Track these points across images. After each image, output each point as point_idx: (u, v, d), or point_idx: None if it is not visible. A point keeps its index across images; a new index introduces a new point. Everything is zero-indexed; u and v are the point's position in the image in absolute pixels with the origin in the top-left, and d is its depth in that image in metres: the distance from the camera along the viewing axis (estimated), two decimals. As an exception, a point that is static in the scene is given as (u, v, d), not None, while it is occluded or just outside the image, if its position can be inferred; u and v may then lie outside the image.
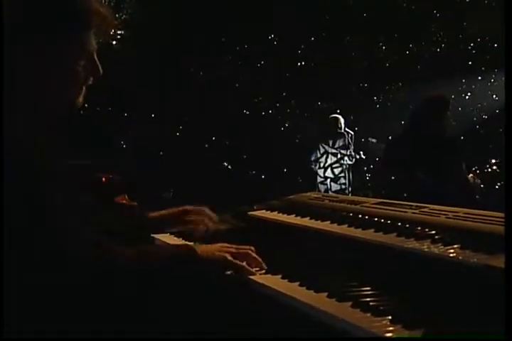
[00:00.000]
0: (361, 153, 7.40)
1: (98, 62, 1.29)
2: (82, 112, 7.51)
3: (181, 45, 8.37)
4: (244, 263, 1.39)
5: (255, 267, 1.42)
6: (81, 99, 1.30)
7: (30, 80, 1.20)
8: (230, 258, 1.36)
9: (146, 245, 1.58)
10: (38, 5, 1.19)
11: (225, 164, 9.13)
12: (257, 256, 1.43)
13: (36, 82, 1.21)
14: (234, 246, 1.43)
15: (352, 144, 7.30)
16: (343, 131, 7.30)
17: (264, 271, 1.42)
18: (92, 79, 1.30)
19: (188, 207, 1.72)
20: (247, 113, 9.31)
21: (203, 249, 1.37)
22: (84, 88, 1.30)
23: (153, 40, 8.27)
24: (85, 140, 6.84)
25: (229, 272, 1.39)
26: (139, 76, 8.01)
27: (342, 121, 7.31)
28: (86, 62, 1.27)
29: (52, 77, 1.22)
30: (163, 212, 1.72)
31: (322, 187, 7.29)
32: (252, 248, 1.45)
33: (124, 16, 8.75)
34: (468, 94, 9.20)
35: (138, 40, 8.48)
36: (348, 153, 7.22)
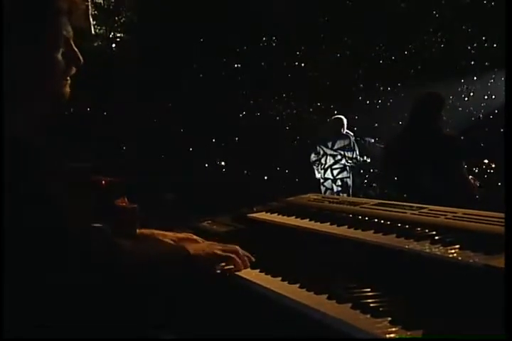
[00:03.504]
0: (365, 156, 7.39)
1: (77, 50, 1.27)
2: (81, 114, 7.54)
3: (180, 46, 8.38)
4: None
5: (244, 263, 1.47)
6: (67, 89, 1.27)
7: (10, 73, 1.18)
8: (219, 252, 1.42)
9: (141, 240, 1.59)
10: None
11: (225, 165, 9.14)
12: (244, 253, 1.49)
13: (16, 73, 1.18)
14: (220, 244, 1.50)
15: (356, 146, 7.30)
16: (344, 132, 7.31)
17: (255, 267, 1.46)
18: (74, 68, 1.28)
19: (179, 235, 1.72)
20: (247, 114, 9.32)
21: (191, 246, 1.41)
22: (68, 78, 1.27)
23: (152, 42, 8.28)
24: (85, 142, 6.85)
25: (220, 265, 1.42)
26: (139, 78, 8.02)
27: (345, 121, 7.32)
28: (65, 51, 1.24)
29: (31, 66, 1.20)
30: (154, 231, 1.72)
31: (322, 189, 7.30)
32: (237, 247, 1.49)
33: (122, 19, 8.76)
34: (468, 94, 9.20)
35: (137, 42, 8.50)
36: (354, 155, 7.20)
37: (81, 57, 1.27)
